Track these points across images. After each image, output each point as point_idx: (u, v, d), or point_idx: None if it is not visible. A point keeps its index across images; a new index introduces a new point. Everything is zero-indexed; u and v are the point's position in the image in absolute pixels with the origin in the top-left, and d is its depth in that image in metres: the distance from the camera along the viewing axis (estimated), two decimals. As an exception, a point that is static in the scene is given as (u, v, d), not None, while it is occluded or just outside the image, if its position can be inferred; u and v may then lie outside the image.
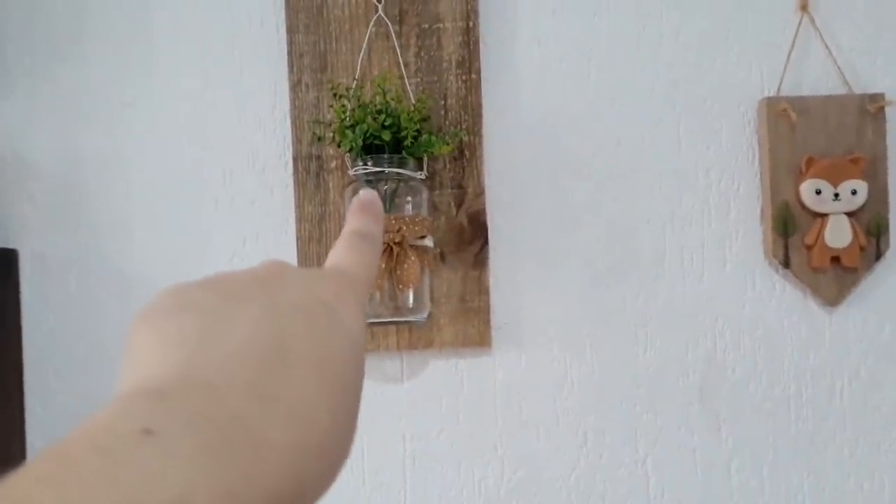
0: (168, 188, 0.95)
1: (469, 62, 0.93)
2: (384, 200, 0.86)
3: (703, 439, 0.94)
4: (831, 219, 0.91)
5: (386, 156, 0.85)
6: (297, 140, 0.93)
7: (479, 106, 0.93)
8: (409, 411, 0.94)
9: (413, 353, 0.94)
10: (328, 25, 0.93)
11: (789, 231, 0.92)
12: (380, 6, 0.92)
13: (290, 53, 0.93)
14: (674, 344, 0.94)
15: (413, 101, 0.90)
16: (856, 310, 0.94)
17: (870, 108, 0.92)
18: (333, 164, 0.93)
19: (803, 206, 0.91)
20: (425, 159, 0.90)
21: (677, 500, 0.94)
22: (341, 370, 0.25)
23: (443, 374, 0.94)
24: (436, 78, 0.93)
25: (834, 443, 0.94)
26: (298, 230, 0.93)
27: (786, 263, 0.92)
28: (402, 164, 0.85)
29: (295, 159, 0.93)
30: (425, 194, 0.89)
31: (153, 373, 0.23)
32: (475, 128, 0.93)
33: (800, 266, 0.92)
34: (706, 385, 0.94)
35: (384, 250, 0.84)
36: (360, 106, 0.86)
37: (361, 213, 0.34)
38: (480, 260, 0.93)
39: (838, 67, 0.94)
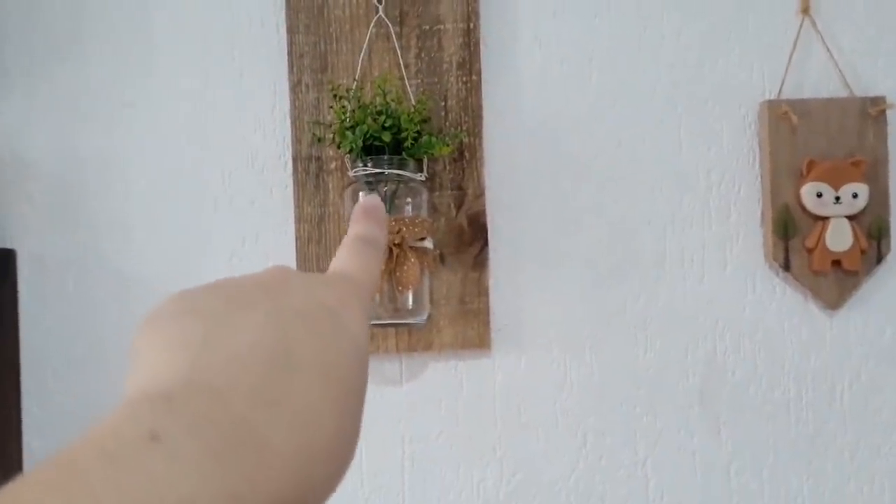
0: (167, 188, 0.95)
1: (470, 63, 0.93)
2: (384, 202, 0.86)
3: (702, 442, 0.94)
4: (832, 222, 0.91)
5: (386, 157, 0.84)
6: (296, 141, 0.93)
7: (480, 107, 0.93)
8: (409, 413, 0.94)
9: (412, 356, 0.94)
10: (328, 26, 0.93)
11: (790, 234, 0.92)
12: (380, 7, 0.92)
13: (290, 54, 0.93)
14: (674, 346, 0.94)
15: (413, 103, 0.90)
16: (856, 313, 0.94)
17: (871, 110, 0.92)
18: (333, 165, 0.92)
19: (804, 209, 0.91)
20: (425, 161, 0.89)
21: (677, 502, 0.94)
22: (345, 374, 0.25)
23: (442, 376, 0.94)
24: (436, 79, 0.93)
25: (834, 446, 0.94)
26: (298, 231, 0.92)
27: (786, 266, 0.92)
28: (402, 166, 0.85)
29: (294, 160, 0.93)
30: (425, 196, 0.89)
31: (158, 376, 0.23)
32: (475, 129, 0.93)
33: (800, 269, 0.92)
34: (706, 387, 0.94)
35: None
36: (360, 107, 0.85)
37: (365, 217, 0.34)
38: (480, 262, 0.92)
39: (839, 70, 0.94)
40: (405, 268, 0.83)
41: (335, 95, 0.87)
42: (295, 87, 0.93)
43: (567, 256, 0.94)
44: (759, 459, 0.94)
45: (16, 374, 0.94)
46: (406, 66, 0.92)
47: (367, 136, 0.84)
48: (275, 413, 0.22)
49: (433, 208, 0.92)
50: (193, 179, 0.95)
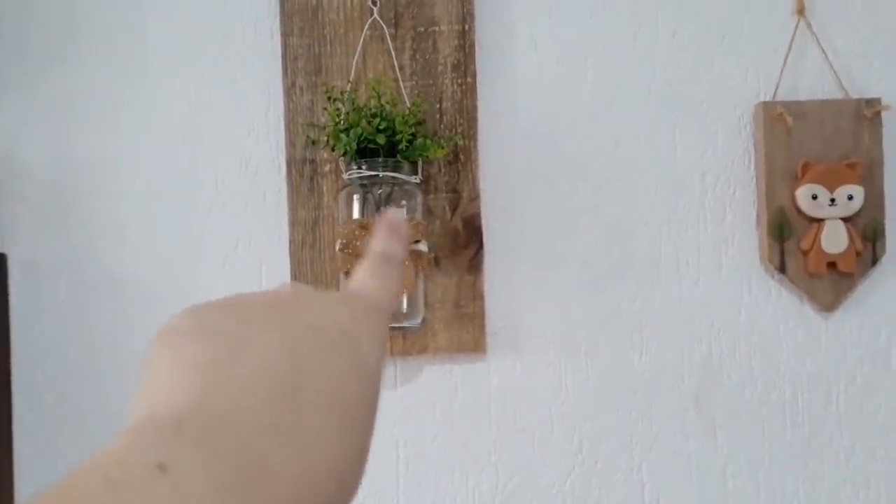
0: (161, 191, 0.95)
1: (465, 65, 0.92)
2: (378, 204, 0.86)
3: (698, 445, 0.94)
4: (827, 224, 0.90)
5: (380, 159, 0.84)
6: (290, 143, 0.92)
7: (475, 109, 0.92)
8: (403, 417, 0.94)
9: (407, 359, 0.93)
10: (322, 28, 0.92)
11: (785, 236, 0.92)
12: (375, 9, 0.92)
13: (284, 56, 0.93)
14: (669, 349, 0.94)
15: (408, 105, 0.90)
16: (852, 315, 0.94)
17: (866, 112, 0.91)
18: (327, 168, 0.92)
19: (799, 211, 0.91)
20: (420, 163, 0.89)
21: (673, 506, 0.93)
22: (353, 400, 0.25)
23: (437, 380, 0.94)
24: (431, 81, 0.92)
25: (830, 449, 0.93)
26: (292, 234, 0.92)
27: (782, 269, 0.92)
28: (396, 168, 0.85)
29: (288, 163, 0.92)
30: (420, 198, 0.88)
31: (167, 400, 0.23)
32: (470, 131, 0.92)
33: (796, 271, 0.92)
34: (702, 391, 0.94)
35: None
36: (354, 109, 0.85)
37: (388, 234, 0.34)
38: (475, 265, 0.92)
39: (834, 72, 0.94)
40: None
41: (329, 98, 0.87)
42: (289, 90, 0.92)
43: (562, 259, 0.94)
44: (755, 462, 0.93)
45: (7, 379, 0.93)
46: (401, 68, 0.92)
47: (362, 138, 0.83)
48: (282, 440, 0.22)
49: (428, 211, 0.91)
50: (187, 183, 0.94)
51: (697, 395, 0.94)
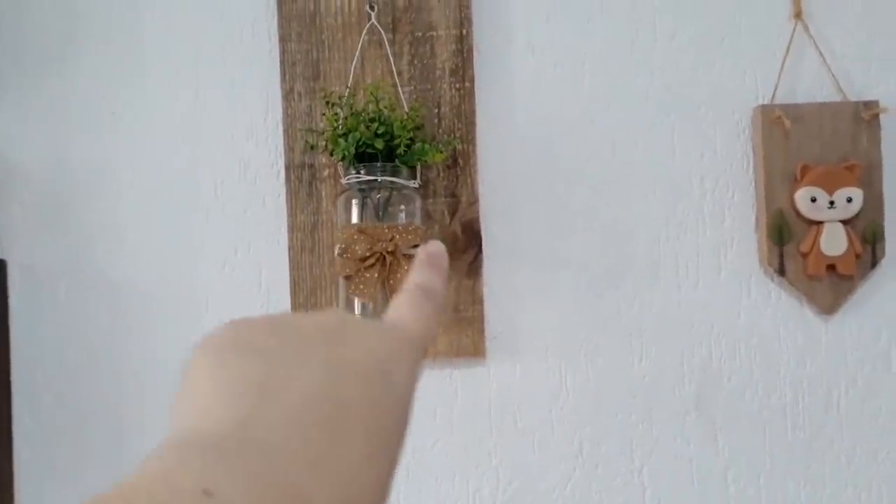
0: (159, 197, 0.95)
1: (463, 70, 0.93)
2: (377, 209, 0.86)
3: (699, 449, 0.93)
4: (826, 226, 0.90)
5: (379, 164, 0.84)
6: (289, 149, 0.92)
7: (473, 114, 0.93)
8: (403, 422, 0.93)
9: (407, 363, 0.93)
10: (321, 34, 0.93)
11: (784, 239, 0.92)
12: (373, 14, 0.92)
13: (282, 62, 0.93)
14: (669, 353, 0.94)
15: (406, 110, 0.90)
16: (852, 318, 0.94)
17: (864, 115, 0.91)
18: (326, 173, 0.92)
19: (798, 214, 0.91)
20: (419, 168, 0.89)
21: (674, 510, 0.93)
22: (388, 433, 0.26)
23: (437, 384, 0.93)
24: (429, 86, 0.92)
25: (831, 451, 0.93)
26: (290, 239, 0.92)
27: (781, 271, 0.92)
28: (395, 173, 0.85)
29: (287, 168, 0.92)
30: (419, 203, 0.88)
31: (211, 418, 0.24)
32: (469, 136, 0.92)
33: (795, 274, 0.92)
34: (702, 394, 0.94)
35: (377, 260, 0.83)
36: (352, 114, 0.85)
37: (429, 267, 0.34)
38: (474, 269, 0.92)
39: (832, 75, 0.94)
40: (398, 275, 0.83)
41: (328, 103, 0.87)
42: (287, 95, 0.93)
43: (561, 263, 0.94)
44: (756, 466, 0.93)
45: (7, 380, 0.93)
46: (399, 73, 0.92)
47: (360, 143, 0.83)
48: (320, 472, 0.23)
49: (427, 215, 0.91)
50: (185, 188, 0.94)
51: (698, 399, 0.94)
